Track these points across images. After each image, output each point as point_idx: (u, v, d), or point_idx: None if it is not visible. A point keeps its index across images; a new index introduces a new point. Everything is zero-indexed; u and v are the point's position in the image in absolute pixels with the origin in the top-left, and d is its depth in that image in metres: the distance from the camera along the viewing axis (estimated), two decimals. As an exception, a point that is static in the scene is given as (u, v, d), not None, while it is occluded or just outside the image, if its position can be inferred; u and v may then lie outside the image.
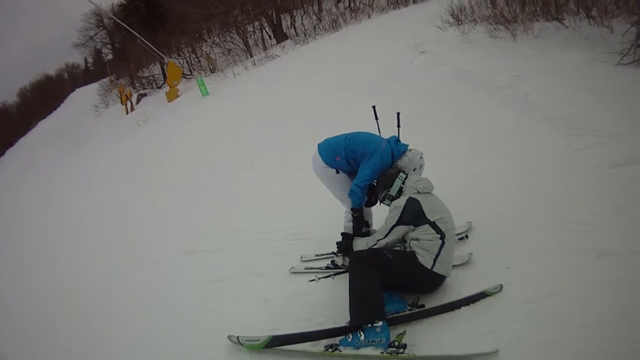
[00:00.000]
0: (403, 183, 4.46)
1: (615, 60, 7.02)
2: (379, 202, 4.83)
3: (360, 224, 5.02)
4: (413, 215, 4.08)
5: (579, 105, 6.45)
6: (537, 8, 9.89)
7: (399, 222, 4.13)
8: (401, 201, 4.21)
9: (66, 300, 6.54)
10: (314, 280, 4.93)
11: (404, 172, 4.57)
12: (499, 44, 9.98)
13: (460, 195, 5.08)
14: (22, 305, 7.02)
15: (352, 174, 5.01)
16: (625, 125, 5.62)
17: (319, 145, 5.15)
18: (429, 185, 4.37)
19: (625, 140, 5.37)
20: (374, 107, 5.70)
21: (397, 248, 4.22)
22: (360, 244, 4.51)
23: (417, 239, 4.02)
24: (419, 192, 4.24)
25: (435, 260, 3.93)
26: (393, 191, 4.47)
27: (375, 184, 4.80)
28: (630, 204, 4.41)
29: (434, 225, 4.01)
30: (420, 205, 4.09)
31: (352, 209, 4.98)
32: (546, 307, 3.53)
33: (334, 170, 5.01)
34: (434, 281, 4.06)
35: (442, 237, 3.98)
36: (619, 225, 4.18)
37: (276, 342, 3.83)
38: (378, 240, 4.22)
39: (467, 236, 4.88)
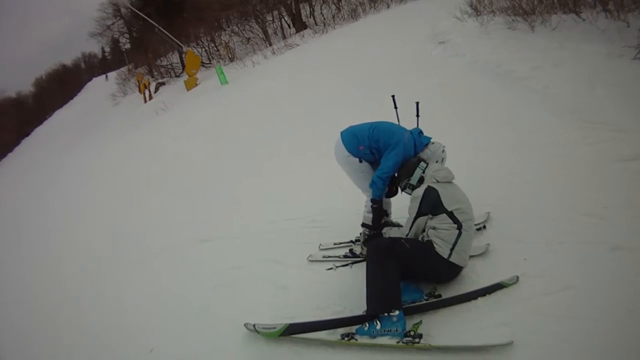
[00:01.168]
0: (423, 172, 4.48)
1: (632, 55, 6.96)
2: (400, 191, 4.85)
3: (379, 215, 5.02)
4: (431, 204, 4.09)
5: (593, 99, 6.43)
6: (555, 0, 9.79)
7: (419, 213, 4.15)
8: (419, 191, 4.23)
9: (81, 282, 6.69)
10: (331, 268, 4.97)
11: (424, 161, 4.58)
12: (517, 35, 9.92)
13: (477, 185, 5.09)
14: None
15: (374, 163, 5.01)
16: (637, 120, 5.61)
17: (342, 133, 5.15)
18: (449, 174, 4.36)
19: (636, 135, 5.35)
20: (393, 96, 5.71)
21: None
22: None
23: (434, 228, 4.04)
24: (438, 182, 4.25)
25: (452, 250, 3.94)
26: (414, 180, 4.49)
27: (396, 174, 4.82)
28: (640, 198, 4.41)
29: (451, 214, 4.02)
30: (438, 194, 4.09)
31: (372, 200, 4.98)
32: (561, 300, 3.54)
33: (357, 159, 5.01)
34: (450, 271, 4.07)
35: (459, 227, 3.99)
36: (631, 219, 4.19)
37: (292, 330, 3.86)
38: (406, 236, 4.24)
39: (484, 227, 4.89)
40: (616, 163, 5.08)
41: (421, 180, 4.46)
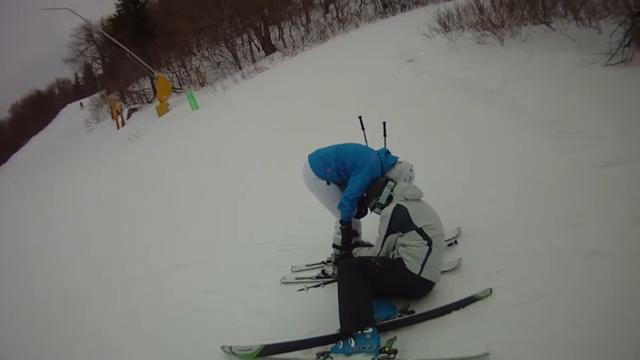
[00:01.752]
0: (392, 191, 4.50)
1: (604, 61, 7.05)
2: (369, 211, 4.86)
3: (349, 237, 5.04)
4: (400, 221, 4.10)
5: (566, 107, 6.47)
6: (525, 12, 9.95)
7: (389, 230, 4.16)
8: (389, 209, 4.24)
9: (60, 317, 6.53)
10: (302, 289, 4.96)
11: (392, 180, 4.60)
12: (486, 49, 10.04)
13: (449, 201, 5.09)
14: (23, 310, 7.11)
15: (342, 185, 5.01)
16: (612, 125, 5.64)
17: (310, 157, 5.16)
18: (417, 192, 4.38)
19: (613, 141, 5.38)
20: (360, 117, 5.75)
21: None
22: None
23: (404, 245, 4.04)
24: (406, 199, 4.26)
25: (423, 266, 3.94)
26: (382, 199, 4.51)
27: (365, 194, 4.82)
28: (618, 203, 4.41)
29: (420, 231, 4.02)
30: (407, 212, 4.11)
31: (340, 222, 4.99)
32: (537, 310, 3.53)
33: (325, 182, 5.01)
34: (422, 287, 4.07)
35: (430, 244, 3.99)
36: (607, 225, 4.19)
37: (269, 351, 3.84)
38: (378, 254, 4.24)
39: (456, 242, 4.89)
40: (590, 170, 5.11)
41: (390, 199, 4.48)
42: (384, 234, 4.19)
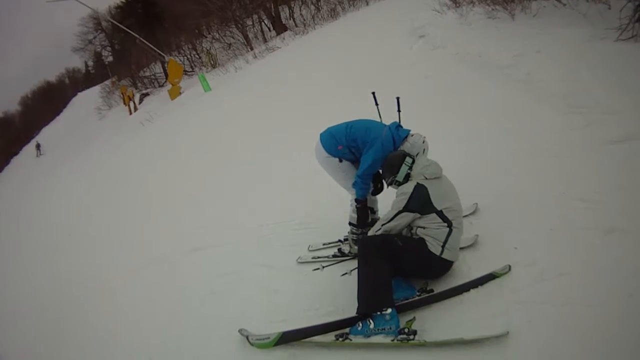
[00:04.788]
0: (410, 168, 4.35)
1: (614, 37, 6.90)
2: (386, 186, 4.79)
3: (364, 215, 4.98)
4: (420, 203, 4.03)
5: (578, 82, 6.34)
6: (535, -13, 9.78)
7: (406, 208, 4.06)
8: (409, 187, 4.13)
9: (72, 300, 6.64)
10: (318, 269, 4.95)
11: (410, 156, 4.45)
12: (497, 24, 9.86)
13: (463, 177, 5.03)
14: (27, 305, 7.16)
15: (356, 162, 4.95)
16: (624, 101, 5.53)
17: (321, 135, 5.11)
18: (437, 170, 4.27)
19: (625, 116, 5.28)
20: (373, 93, 5.63)
21: (404, 233, 4.19)
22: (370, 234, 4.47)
23: (424, 227, 3.99)
24: (426, 179, 4.16)
25: (443, 247, 3.91)
26: (400, 177, 4.36)
27: (380, 171, 4.75)
28: (632, 180, 4.34)
29: (440, 214, 3.98)
30: (428, 193, 4.03)
31: (355, 200, 4.94)
32: (555, 287, 3.50)
33: (337, 159, 4.96)
34: (443, 267, 4.05)
35: (450, 225, 3.96)
36: (623, 201, 4.13)
37: (286, 338, 3.83)
38: (383, 225, 4.15)
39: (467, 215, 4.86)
40: (606, 145, 5.01)
41: (407, 177, 4.35)
42: (398, 209, 4.10)
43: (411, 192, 4.08)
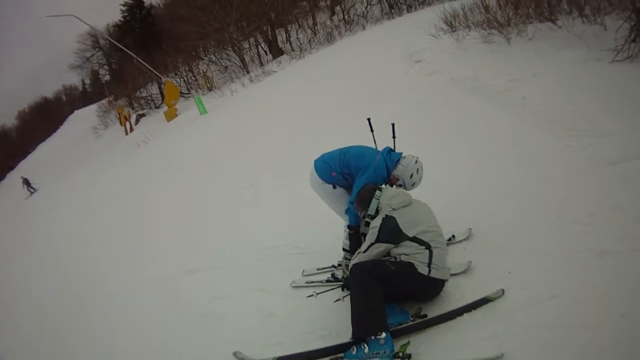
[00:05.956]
0: (379, 201, 4.43)
1: (610, 58, 6.97)
2: (362, 222, 4.79)
3: (356, 241, 4.93)
4: (390, 233, 4.10)
5: (574, 105, 6.41)
6: (530, 10, 9.89)
7: (377, 240, 4.15)
8: (377, 221, 4.22)
9: (66, 324, 6.58)
10: (312, 295, 4.96)
11: (380, 189, 4.51)
12: (493, 48, 9.95)
13: (458, 201, 5.10)
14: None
15: (349, 188, 4.99)
16: (620, 122, 5.59)
17: (315, 162, 5.16)
18: (404, 198, 4.33)
19: (621, 138, 5.33)
20: (369, 119, 5.71)
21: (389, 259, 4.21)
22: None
23: (406, 254, 4.03)
24: (394, 209, 4.23)
25: (429, 266, 3.94)
26: (371, 210, 4.42)
27: (355, 204, 4.75)
28: (628, 201, 4.37)
29: (414, 239, 4.03)
30: (397, 223, 4.09)
31: (348, 226, 4.96)
32: (549, 310, 3.51)
33: (331, 186, 5.02)
34: (434, 287, 4.07)
35: (428, 247, 4.00)
36: (618, 223, 4.15)
37: (282, 363, 3.83)
38: (358, 254, 4.26)
39: (454, 236, 4.92)
40: (601, 168, 5.05)
41: (377, 209, 4.41)
42: (370, 241, 4.18)
43: (379, 225, 4.16)
